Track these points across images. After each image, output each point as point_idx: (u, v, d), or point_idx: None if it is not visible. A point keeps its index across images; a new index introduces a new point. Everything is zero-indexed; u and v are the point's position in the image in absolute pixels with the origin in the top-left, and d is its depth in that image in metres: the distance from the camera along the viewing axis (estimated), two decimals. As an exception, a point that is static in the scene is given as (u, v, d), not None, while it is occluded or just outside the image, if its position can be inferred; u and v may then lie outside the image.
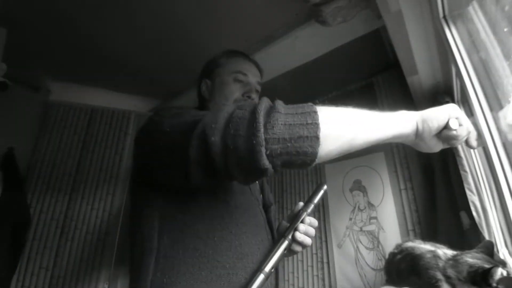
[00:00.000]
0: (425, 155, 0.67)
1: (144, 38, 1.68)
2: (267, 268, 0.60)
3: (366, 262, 1.66)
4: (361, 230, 1.73)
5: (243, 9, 1.48)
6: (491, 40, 0.83)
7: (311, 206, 0.73)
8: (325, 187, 0.77)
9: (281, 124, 0.48)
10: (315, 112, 0.50)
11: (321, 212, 1.90)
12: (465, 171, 1.12)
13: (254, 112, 0.49)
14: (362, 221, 1.74)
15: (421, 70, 1.31)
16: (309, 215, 0.72)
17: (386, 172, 1.73)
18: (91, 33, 1.64)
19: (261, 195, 0.90)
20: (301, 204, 0.76)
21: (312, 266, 1.84)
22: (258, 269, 0.60)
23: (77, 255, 1.87)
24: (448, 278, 0.84)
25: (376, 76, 1.92)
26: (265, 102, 0.52)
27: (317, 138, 0.48)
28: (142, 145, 0.69)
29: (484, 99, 0.80)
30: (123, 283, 1.91)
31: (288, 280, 1.90)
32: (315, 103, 0.53)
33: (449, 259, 0.88)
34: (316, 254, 1.85)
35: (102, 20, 1.56)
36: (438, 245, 0.97)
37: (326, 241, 1.83)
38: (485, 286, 0.76)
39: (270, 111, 0.49)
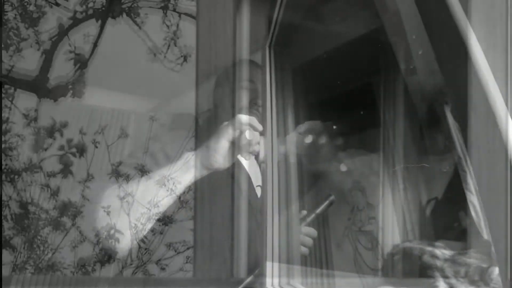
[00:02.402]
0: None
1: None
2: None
3: (365, 262, 1.66)
4: (360, 230, 1.73)
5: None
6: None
7: (312, 216, 0.73)
8: (332, 197, 0.76)
9: None
10: None
11: (320, 212, 1.90)
12: (464, 171, 1.11)
13: None
14: (361, 221, 1.74)
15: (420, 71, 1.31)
16: (309, 225, 0.73)
17: (386, 172, 1.72)
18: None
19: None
20: (304, 212, 0.76)
21: (311, 266, 1.84)
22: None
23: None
24: (446, 278, 0.84)
25: (376, 76, 1.92)
26: None
27: None
28: None
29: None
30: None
31: (287, 280, 1.90)
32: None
33: (447, 259, 0.88)
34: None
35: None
36: (436, 244, 0.98)
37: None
38: (483, 285, 0.76)
39: None
